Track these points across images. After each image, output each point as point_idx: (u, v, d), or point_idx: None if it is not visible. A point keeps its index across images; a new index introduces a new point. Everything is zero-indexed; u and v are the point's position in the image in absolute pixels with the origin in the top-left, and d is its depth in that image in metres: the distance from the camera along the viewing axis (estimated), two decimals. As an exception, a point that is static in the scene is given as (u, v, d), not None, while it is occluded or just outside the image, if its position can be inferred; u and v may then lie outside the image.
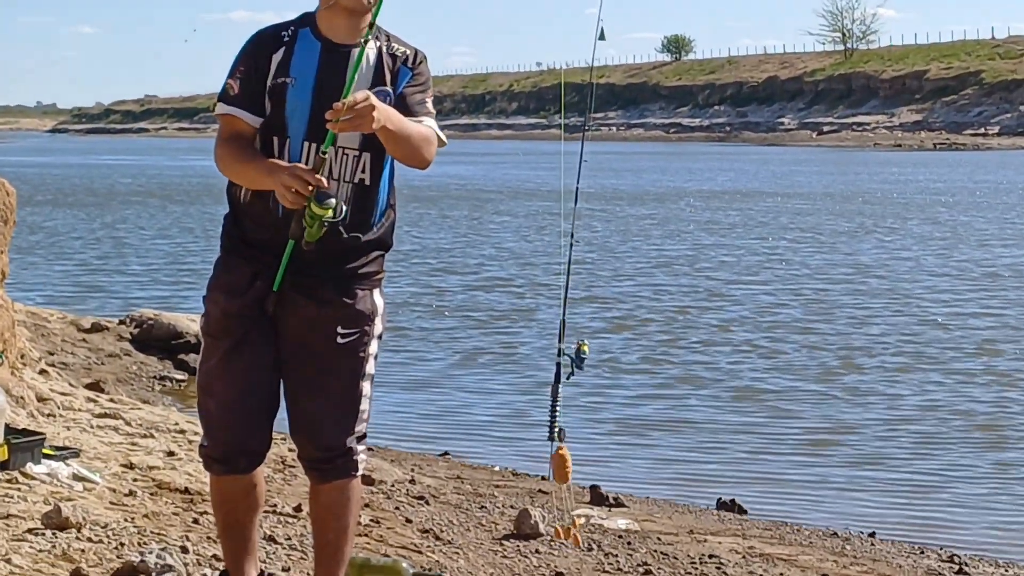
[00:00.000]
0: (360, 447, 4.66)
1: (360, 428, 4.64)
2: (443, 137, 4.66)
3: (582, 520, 6.89)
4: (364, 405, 4.64)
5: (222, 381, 4.57)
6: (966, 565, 7.72)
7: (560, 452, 6.48)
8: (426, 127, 4.55)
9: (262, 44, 4.57)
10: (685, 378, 13.54)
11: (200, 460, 4.77)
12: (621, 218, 33.99)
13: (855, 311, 17.78)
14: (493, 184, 50.70)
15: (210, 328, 4.60)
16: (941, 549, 8.18)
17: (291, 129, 4.50)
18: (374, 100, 4.28)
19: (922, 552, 8.06)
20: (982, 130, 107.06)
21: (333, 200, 4.32)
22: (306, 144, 4.48)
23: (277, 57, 4.53)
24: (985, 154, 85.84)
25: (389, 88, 4.54)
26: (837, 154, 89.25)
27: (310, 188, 4.27)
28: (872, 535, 8.45)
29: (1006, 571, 7.81)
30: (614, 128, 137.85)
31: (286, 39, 4.55)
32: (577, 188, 9.57)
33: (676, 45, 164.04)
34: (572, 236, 9.76)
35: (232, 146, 4.53)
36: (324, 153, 4.40)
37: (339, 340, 4.57)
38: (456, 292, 19.70)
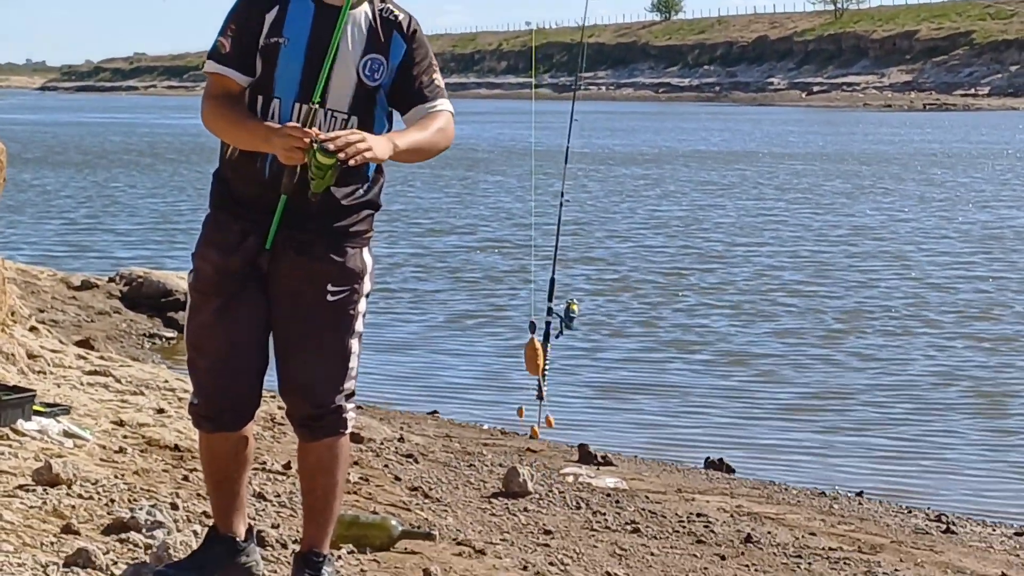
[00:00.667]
0: (349, 405, 4.66)
1: (349, 385, 4.64)
2: (451, 108, 4.64)
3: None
4: (353, 363, 4.64)
5: (213, 338, 4.56)
6: (953, 524, 7.77)
7: (532, 342, 6.54)
8: (440, 113, 4.56)
9: (255, 2, 4.50)
10: (674, 342, 13.52)
11: (190, 418, 4.77)
12: (615, 178, 33.93)
13: (853, 275, 17.76)
14: (485, 143, 50.59)
15: (200, 285, 4.58)
16: (928, 509, 8.23)
17: (279, 89, 4.47)
18: (370, 140, 4.30)
19: (909, 511, 8.11)
20: (972, 90, 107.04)
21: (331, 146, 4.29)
22: (297, 105, 4.45)
23: (270, 16, 4.46)
24: (976, 114, 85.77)
25: (382, 57, 4.52)
26: (828, 114, 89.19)
27: (307, 141, 4.25)
28: (860, 495, 8.49)
29: (992, 530, 7.86)
30: (603, 88, 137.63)
31: None
32: (568, 148, 9.61)
33: (666, 5, 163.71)
34: (562, 196, 9.80)
35: (222, 106, 4.50)
36: (315, 104, 4.39)
37: (329, 297, 4.56)
38: (446, 252, 19.70)
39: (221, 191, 4.61)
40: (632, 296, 16.13)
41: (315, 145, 4.24)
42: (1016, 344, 13.31)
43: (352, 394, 4.69)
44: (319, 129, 4.40)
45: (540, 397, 8.79)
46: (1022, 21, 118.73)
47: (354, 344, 4.64)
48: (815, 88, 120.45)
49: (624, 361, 12.69)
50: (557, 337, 8.82)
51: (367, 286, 4.65)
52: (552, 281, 9.10)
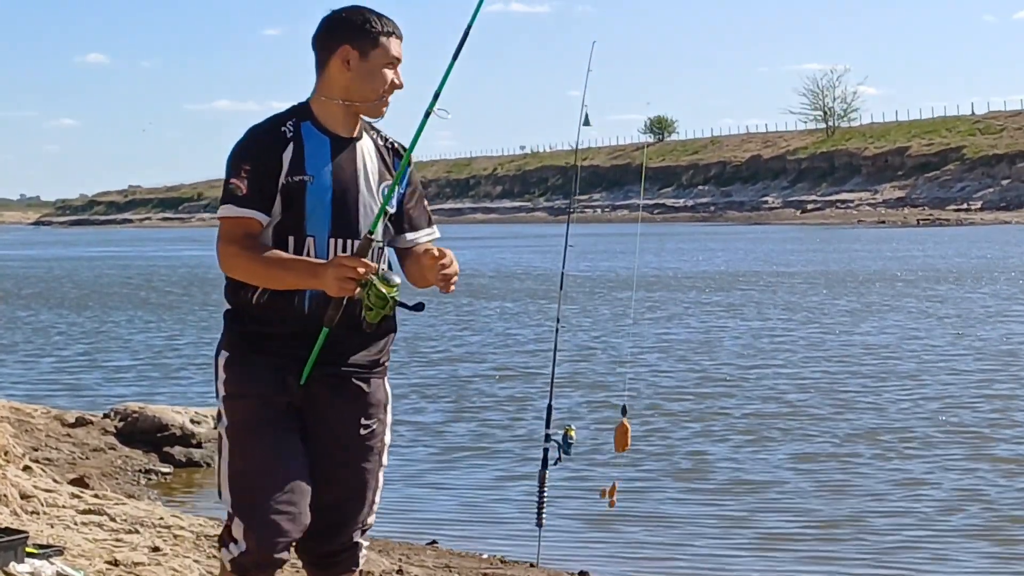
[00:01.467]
0: (365, 541, 4.62)
1: (370, 520, 4.61)
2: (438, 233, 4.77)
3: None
4: (377, 497, 4.62)
5: (272, 475, 4.40)
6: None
7: (623, 424, 6.74)
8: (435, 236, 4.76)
9: (265, 142, 4.44)
10: (676, 471, 13.21)
11: (232, 570, 4.47)
12: (619, 301, 33.78)
13: (866, 395, 17.34)
14: (486, 269, 50.57)
15: (241, 428, 4.46)
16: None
17: (312, 227, 4.42)
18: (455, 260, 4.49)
19: None
20: (965, 205, 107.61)
21: (398, 277, 4.37)
22: (332, 241, 4.44)
23: (287, 155, 4.41)
24: (970, 229, 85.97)
25: (397, 185, 4.57)
26: (824, 231, 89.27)
27: (362, 272, 4.24)
28: None
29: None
30: (599, 210, 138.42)
31: (290, 135, 4.45)
32: (563, 272, 9.56)
33: (659, 126, 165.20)
34: (557, 322, 9.76)
35: (250, 248, 4.40)
36: (372, 234, 4.40)
37: (361, 431, 4.53)
38: (446, 380, 19.55)
39: (247, 333, 4.50)
40: (638, 421, 15.79)
41: (374, 276, 4.27)
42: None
43: (369, 528, 4.63)
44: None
45: (539, 524, 8.69)
46: (1012, 135, 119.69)
47: (381, 477, 4.60)
48: (809, 206, 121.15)
49: (624, 492, 12.42)
50: (555, 464, 8.73)
51: (390, 416, 4.63)
52: (549, 408, 9.02)
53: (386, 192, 4.51)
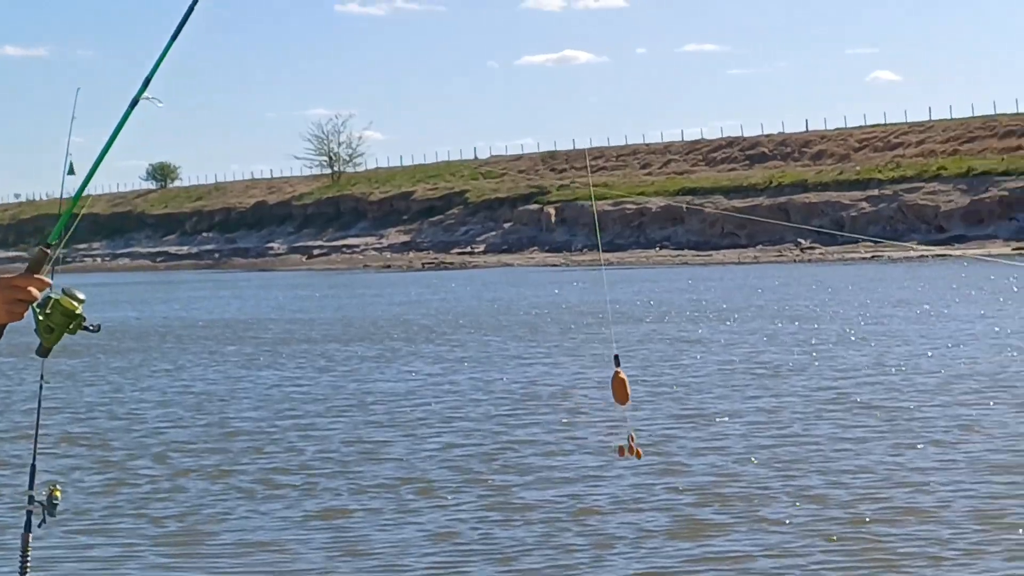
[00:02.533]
0: None
1: None
2: None
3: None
4: None
5: None
6: None
7: (619, 375, 6.25)
8: None
9: None
10: (168, 533, 11.98)
11: None
12: (128, 352, 31.79)
13: (389, 446, 16.67)
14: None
15: None
16: None
17: None
18: None
19: None
20: (469, 248, 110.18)
21: (82, 293, 4.05)
22: None
23: None
24: (473, 272, 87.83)
25: None
26: (332, 276, 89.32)
27: (36, 292, 3.90)
28: None
29: None
30: (99, 259, 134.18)
31: None
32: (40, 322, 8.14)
33: (162, 172, 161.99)
34: (42, 377, 8.30)
35: None
36: (49, 246, 4.05)
37: None
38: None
39: None
40: (122, 480, 14.68)
41: (56, 293, 4.00)
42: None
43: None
44: None
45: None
46: (513, 179, 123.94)
47: None
48: (315, 251, 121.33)
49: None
50: (40, 526, 7.33)
51: None
52: (33, 468, 7.58)
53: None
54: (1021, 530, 11.23)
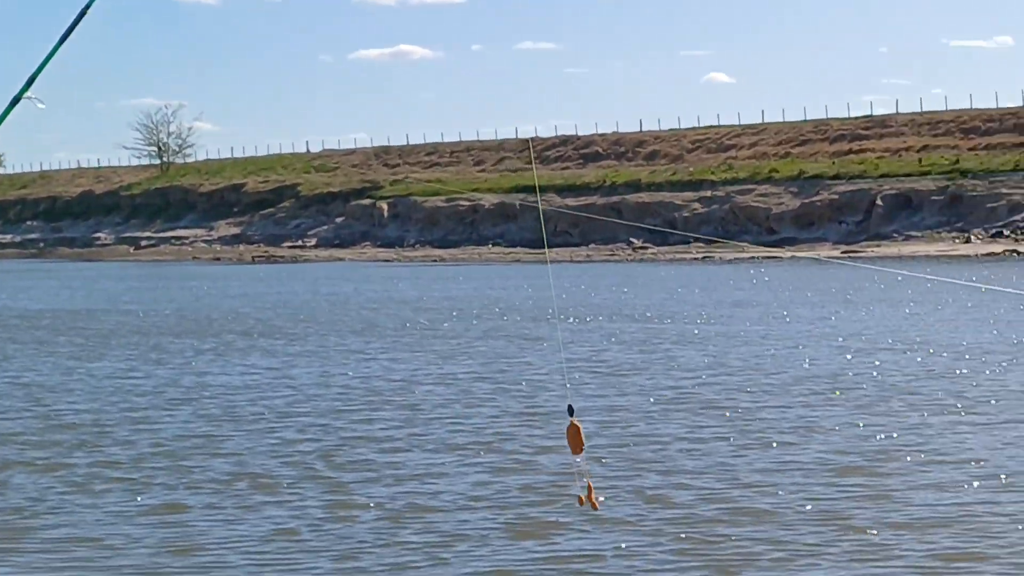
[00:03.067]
0: None
1: None
2: None
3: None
4: None
5: None
6: None
7: (573, 423, 6.40)
8: None
9: None
10: None
11: None
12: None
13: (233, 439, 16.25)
14: None
15: None
16: None
17: None
18: None
19: None
20: (300, 242, 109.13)
21: None
22: None
23: None
24: (304, 266, 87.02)
25: None
26: (159, 268, 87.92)
27: None
28: None
29: None
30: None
31: None
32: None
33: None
34: None
35: None
36: None
37: None
38: None
39: None
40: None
41: None
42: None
43: None
44: None
45: None
46: (346, 173, 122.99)
47: None
48: (143, 242, 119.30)
49: None
50: None
51: None
52: None
53: None
54: (865, 532, 11.32)
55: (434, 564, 10.67)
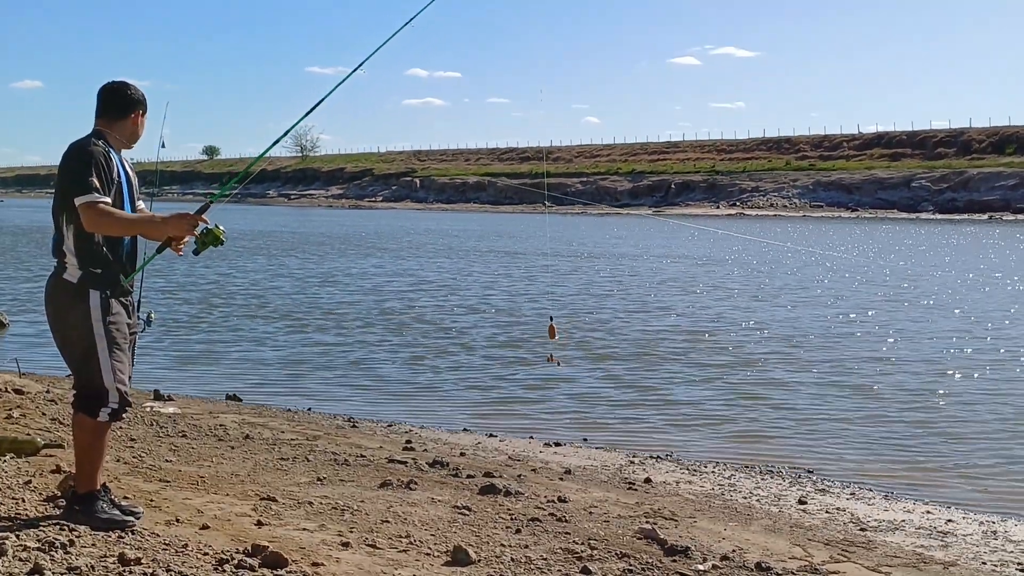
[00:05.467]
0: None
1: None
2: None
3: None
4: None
5: (128, 363, 6.45)
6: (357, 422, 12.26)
7: (551, 325, 9.13)
8: None
9: (101, 155, 6.27)
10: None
11: (104, 420, 6.48)
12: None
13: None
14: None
15: (120, 337, 6.37)
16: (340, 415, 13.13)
17: (125, 205, 6.41)
18: None
19: (334, 416, 12.83)
20: (373, 199, 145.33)
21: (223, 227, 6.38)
22: (129, 207, 6.48)
23: (114, 164, 6.35)
24: (374, 211, 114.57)
25: None
26: (303, 211, 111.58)
27: (197, 224, 6.28)
28: (309, 410, 13.37)
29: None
30: None
31: (109, 152, 6.34)
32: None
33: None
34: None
35: (115, 215, 6.23)
36: (213, 201, 6.39)
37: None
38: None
39: (109, 275, 6.42)
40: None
41: (212, 225, 6.21)
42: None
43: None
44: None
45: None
46: (395, 163, 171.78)
47: None
48: (292, 196, 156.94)
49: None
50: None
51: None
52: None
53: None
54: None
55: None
